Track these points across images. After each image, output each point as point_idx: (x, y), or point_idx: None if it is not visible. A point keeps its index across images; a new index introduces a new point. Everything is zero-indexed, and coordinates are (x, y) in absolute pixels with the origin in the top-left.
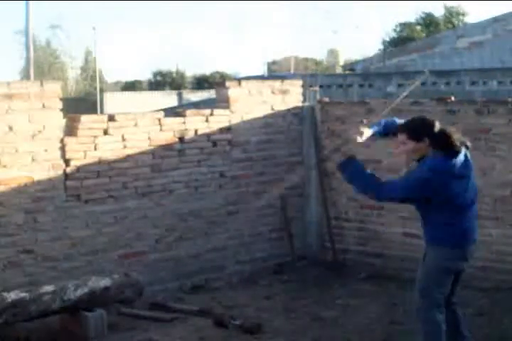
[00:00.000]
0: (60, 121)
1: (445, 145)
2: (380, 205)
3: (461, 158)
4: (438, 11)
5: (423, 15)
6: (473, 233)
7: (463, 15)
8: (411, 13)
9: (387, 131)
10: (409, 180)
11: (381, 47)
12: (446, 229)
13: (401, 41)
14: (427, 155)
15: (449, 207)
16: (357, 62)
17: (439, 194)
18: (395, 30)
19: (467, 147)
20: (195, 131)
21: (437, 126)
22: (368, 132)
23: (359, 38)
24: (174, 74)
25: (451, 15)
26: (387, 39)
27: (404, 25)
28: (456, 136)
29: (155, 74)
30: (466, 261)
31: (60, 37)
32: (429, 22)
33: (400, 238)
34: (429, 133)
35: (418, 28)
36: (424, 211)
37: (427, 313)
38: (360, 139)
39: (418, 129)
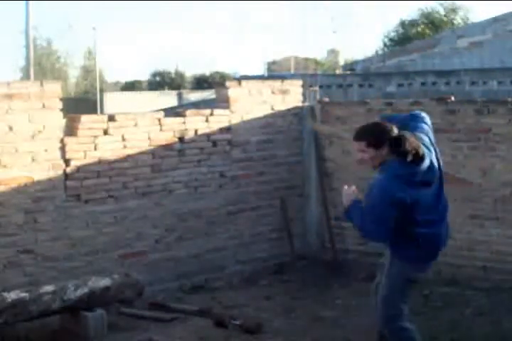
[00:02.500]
0: (60, 121)
1: (404, 151)
2: None
3: (424, 164)
4: (439, 9)
5: (425, 14)
6: (443, 243)
7: (464, 11)
8: (411, 12)
9: None
10: (374, 209)
11: (382, 46)
12: (413, 248)
13: (403, 40)
14: (386, 162)
15: (415, 221)
16: (357, 62)
17: (405, 204)
18: (397, 31)
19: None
20: (195, 131)
21: (394, 131)
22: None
23: (359, 38)
24: (173, 75)
25: (452, 12)
26: (388, 39)
27: (406, 24)
28: (415, 143)
29: (154, 75)
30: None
31: (64, 37)
32: (430, 20)
33: None
34: (387, 139)
35: (421, 27)
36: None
37: (395, 323)
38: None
39: (377, 136)
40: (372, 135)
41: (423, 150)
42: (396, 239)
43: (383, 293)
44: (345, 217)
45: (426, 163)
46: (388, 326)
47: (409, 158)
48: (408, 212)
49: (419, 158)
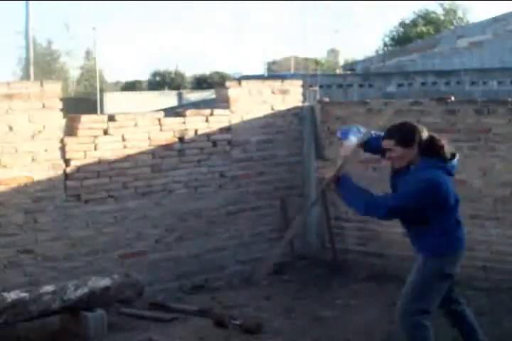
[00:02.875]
0: (60, 121)
1: (436, 154)
2: None
3: (453, 164)
4: (438, 9)
5: (423, 14)
6: (464, 235)
7: (463, 11)
8: (411, 12)
9: (373, 145)
10: (409, 189)
11: (382, 46)
12: (445, 238)
13: (403, 40)
14: (415, 163)
15: (445, 214)
16: (357, 62)
17: (437, 202)
18: (397, 31)
19: (454, 156)
20: (195, 131)
21: (425, 132)
22: (349, 142)
23: (359, 38)
24: (172, 75)
25: (451, 12)
26: (388, 39)
27: (406, 24)
28: (447, 146)
29: (154, 75)
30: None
31: (63, 37)
32: (428, 20)
33: (399, 238)
34: (418, 139)
35: (421, 28)
36: (417, 223)
37: (413, 318)
38: (344, 152)
39: (407, 134)
40: (401, 133)
41: (452, 148)
42: (430, 229)
43: (411, 288)
44: (336, 186)
45: (455, 160)
46: (407, 320)
47: (446, 155)
48: (446, 199)
49: (453, 156)
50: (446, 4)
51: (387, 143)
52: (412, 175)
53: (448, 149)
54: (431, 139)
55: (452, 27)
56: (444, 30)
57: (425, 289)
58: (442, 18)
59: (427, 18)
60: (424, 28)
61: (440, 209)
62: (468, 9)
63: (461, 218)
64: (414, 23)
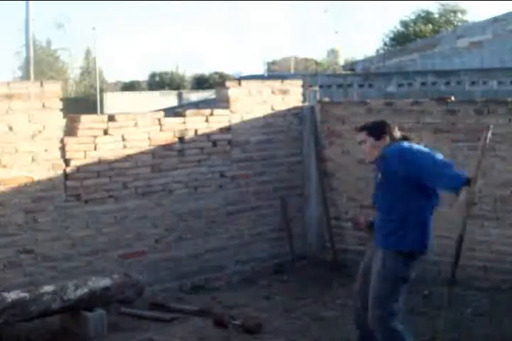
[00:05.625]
0: (60, 121)
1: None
2: None
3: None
4: (436, 9)
5: (422, 13)
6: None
7: (461, 12)
8: (409, 12)
9: None
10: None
11: (382, 46)
12: (416, 229)
13: (403, 40)
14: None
15: (426, 200)
16: (357, 62)
17: (417, 163)
18: (397, 31)
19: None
20: (195, 131)
21: (398, 132)
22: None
23: (359, 38)
24: (170, 76)
25: (449, 13)
26: (388, 38)
27: (405, 24)
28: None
29: (153, 75)
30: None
31: (61, 37)
32: (426, 20)
33: None
34: (389, 132)
35: (422, 26)
36: (400, 208)
37: (387, 324)
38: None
39: (377, 127)
40: (372, 126)
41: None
42: (408, 220)
43: (375, 293)
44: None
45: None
46: (380, 326)
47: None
48: (422, 159)
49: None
50: (440, 4)
51: (359, 136)
52: (383, 160)
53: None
54: (404, 137)
55: (450, 28)
56: (442, 31)
57: (386, 292)
58: (440, 18)
59: (425, 18)
60: (423, 27)
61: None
62: (465, 10)
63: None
64: (414, 23)
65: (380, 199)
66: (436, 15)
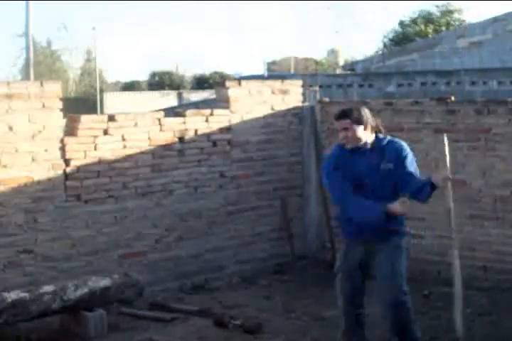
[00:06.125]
0: (60, 121)
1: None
2: None
3: None
4: (433, 9)
5: (422, 14)
6: None
7: (458, 12)
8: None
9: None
10: (411, 159)
11: (382, 46)
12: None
13: (403, 40)
14: (370, 142)
15: None
16: (357, 62)
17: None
18: (397, 31)
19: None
20: (195, 131)
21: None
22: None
23: (359, 38)
24: (170, 76)
25: (445, 13)
26: (387, 39)
27: (405, 24)
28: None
29: (153, 75)
30: None
31: (62, 37)
32: (428, 20)
33: None
34: (371, 120)
35: (422, 26)
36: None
37: (408, 304)
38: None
39: (361, 114)
40: (357, 113)
41: None
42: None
43: (399, 268)
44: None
45: None
46: (405, 302)
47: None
48: None
49: None
50: (435, 5)
51: (343, 123)
52: (386, 150)
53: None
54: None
55: (450, 28)
56: (441, 31)
57: (404, 268)
58: (441, 17)
59: (426, 18)
60: (423, 27)
61: None
62: (461, 9)
63: None
64: (414, 22)
65: (378, 187)
66: (439, 14)
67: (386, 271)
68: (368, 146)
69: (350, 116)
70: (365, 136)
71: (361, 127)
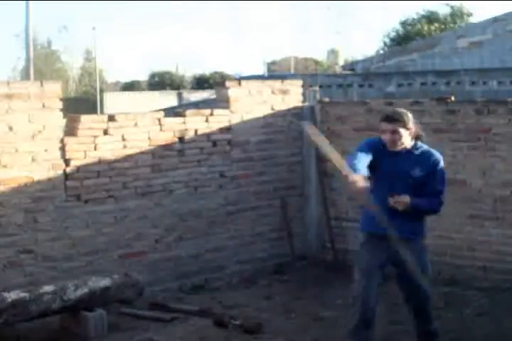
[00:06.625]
0: (60, 121)
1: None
2: None
3: None
4: (442, 9)
5: (427, 14)
6: None
7: (468, 15)
8: (412, 12)
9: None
10: (442, 171)
11: (382, 46)
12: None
13: (403, 40)
14: (411, 146)
15: None
16: (357, 62)
17: None
18: (397, 31)
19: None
20: (195, 131)
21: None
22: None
23: (359, 38)
24: (168, 76)
25: (456, 15)
26: (388, 39)
27: (406, 24)
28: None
29: (152, 76)
30: None
31: (62, 37)
32: (431, 20)
33: None
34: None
35: (424, 26)
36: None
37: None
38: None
39: (409, 119)
40: (406, 118)
41: None
42: (418, 216)
43: (427, 270)
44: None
45: None
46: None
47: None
48: None
49: None
50: (446, 4)
51: (392, 126)
52: (421, 158)
53: None
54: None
55: (456, 27)
56: (447, 30)
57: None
58: (448, 18)
59: (430, 18)
60: (426, 27)
61: None
62: (471, 13)
63: None
64: (416, 22)
65: (401, 191)
66: (447, 12)
67: (415, 266)
68: (405, 151)
69: (400, 119)
70: (408, 141)
71: (408, 132)
